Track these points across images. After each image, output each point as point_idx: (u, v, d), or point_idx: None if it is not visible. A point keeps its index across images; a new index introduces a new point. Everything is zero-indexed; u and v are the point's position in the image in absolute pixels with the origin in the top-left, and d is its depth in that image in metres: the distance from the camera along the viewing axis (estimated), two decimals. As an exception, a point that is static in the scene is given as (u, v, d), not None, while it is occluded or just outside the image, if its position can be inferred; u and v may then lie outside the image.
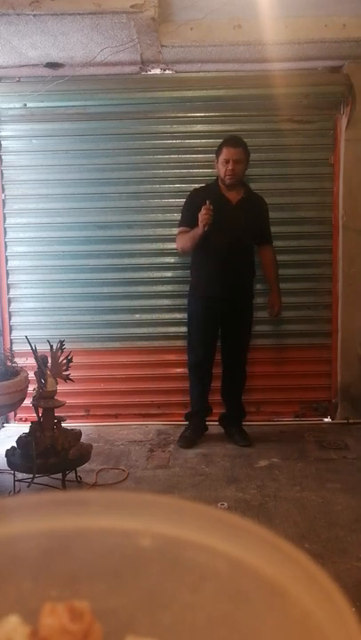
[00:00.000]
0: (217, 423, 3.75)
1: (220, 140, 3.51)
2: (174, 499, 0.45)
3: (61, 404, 2.92)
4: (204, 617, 0.39)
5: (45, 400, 2.88)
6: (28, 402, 3.20)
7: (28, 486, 2.83)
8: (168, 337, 4.03)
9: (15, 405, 3.37)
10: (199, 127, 3.98)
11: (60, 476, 2.83)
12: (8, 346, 3.97)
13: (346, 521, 2.67)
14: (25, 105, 3.88)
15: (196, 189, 3.60)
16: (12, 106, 3.90)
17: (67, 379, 2.96)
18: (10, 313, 4.09)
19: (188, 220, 3.47)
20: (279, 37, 3.33)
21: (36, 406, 2.89)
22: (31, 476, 2.77)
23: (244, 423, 3.71)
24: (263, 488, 3.01)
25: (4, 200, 4.01)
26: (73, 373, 3.01)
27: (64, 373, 2.95)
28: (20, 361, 3.51)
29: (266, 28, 3.26)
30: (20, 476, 2.88)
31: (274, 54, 3.49)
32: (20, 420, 4.07)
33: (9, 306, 4.08)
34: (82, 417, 4.03)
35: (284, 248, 3.95)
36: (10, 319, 4.09)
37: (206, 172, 3.76)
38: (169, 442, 3.69)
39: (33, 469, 2.73)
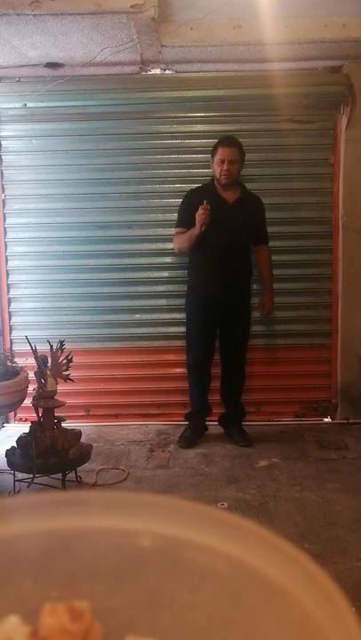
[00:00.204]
0: (217, 423, 3.75)
1: None
2: (174, 499, 0.45)
3: (61, 404, 2.92)
4: (204, 617, 0.39)
5: (45, 400, 2.88)
6: (28, 402, 3.20)
7: (28, 486, 2.83)
8: (168, 337, 4.03)
9: (15, 405, 3.37)
10: (199, 127, 3.98)
11: (60, 476, 2.83)
12: (8, 346, 3.97)
13: (346, 521, 2.67)
14: (25, 105, 3.88)
15: (192, 190, 3.61)
16: (12, 106, 3.90)
17: (67, 379, 2.96)
18: (10, 313, 4.09)
19: (185, 221, 3.48)
20: (279, 37, 3.33)
21: (36, 406, 2.89)
22: (31, 475, 2.77)
23: (244, 423, 3.72)
24: (263, 488, 3.01)
25: (4, 200, 4.01)
26: (73, 373, 3.01)
27: (64, 373, 2.95)
28: (20, 361, 3.51)
29: (266, 28, 3.26)
30: (20, 475, 2.88)
31: (274, 54, 3.49)
32: (20, 419, 4.07)
33: (9, 306, 4.08)
34: (82, 417, 4.03)
35: (284, 248, 3.96)
36: (10, 319, 4.09)
37: (206, 172, 3.75)
38: (169, 442, 3.69)
39: (33, 469, 2.73)
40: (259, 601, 0.38)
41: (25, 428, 3.05)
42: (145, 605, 0.41)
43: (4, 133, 3.99)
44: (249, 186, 3.77)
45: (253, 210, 3.55)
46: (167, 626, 0.39)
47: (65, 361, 2.95)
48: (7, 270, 4.05)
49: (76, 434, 2.91)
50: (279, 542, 0.39)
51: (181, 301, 3.77)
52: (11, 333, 4.09)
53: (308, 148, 3.96)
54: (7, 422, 4.10)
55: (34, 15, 2.84)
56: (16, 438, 2.89)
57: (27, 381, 3.27)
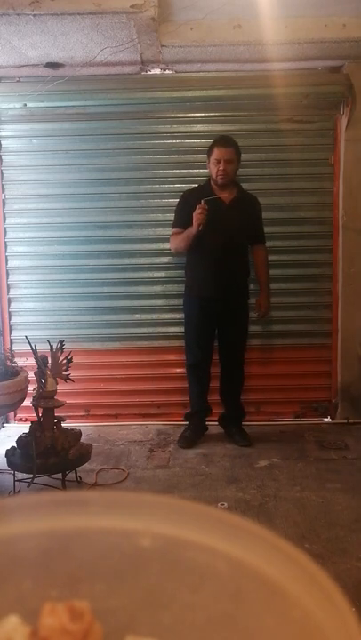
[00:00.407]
0: (217, 423, 3.75)
1: None
2: (174, 499, 0.45)
3: (61, 404, 2.92)
4: (204, 617, 0.39)
5: (45, 400, 2.88)
6: (28, 402, 3.20)
7: (28, 486, 2.83)
8: (168, 337, 4.03)
9: (15, 405, 3.37)
10: (199, 127, 3.98)
11: (60, 476, 2.83)
12: (8, 346, 3.97)
13: (346, 521, 2.67)
14: (25, 105, 3.88)
15: (188, 190, 3.61)
16: (12, 106, 3.90)
17: (67, 379, 2.96)
18: (10, 313, 4.09)
19: (182, 221, 3.48)
20: (279, 37, 3.33)
21: (36, 406, 2.89)
22: (31, 475, 2.77)
23: (244, 423, 3.72)
24: (263, 488, 3.01)
25: (4, 200, 4.01)
26: (73, 373, 3.01)
27: (64, 373, 2.95)
28: (20, 361, 3.51)
29: (266, 28, 3.26)
30: (20, 475, 2.88)
31: (274, 54, 3.49)
32: (20, 419, 4.07)
33: (9, 306, 4.08)
34: (82, 417, 4.03)
35: (284, 248, 3.96)
36: (10, 319, 4.09)
37: (206, 172, 3.75)
38: (169, 442, 3.69)
39: (33, 469, 2.73)
40: (259, 601, 0.38)
41: (25, 428, 3.05)
42: (145, 605, 0.41)
43: (4, 133, 3.99)
44: (249, 186, 3.78)
45: (250, 210, 3.55)
46: (167, 626, 0.39)
47: (65, 361, 2.95)
48: (7, 270, 4.05)
49: (76, 434, 2.91)
50: (279, 542, 0.39)
51: (181, 301, 3.77)
52: (11, 333, 4.09)
53: (308, 148, 3.96)
54: (7, 422, 4.10)
55: (34, 15, 2.84)
56: (16, 438, 2.89)
57: (27, 381, 3.27)
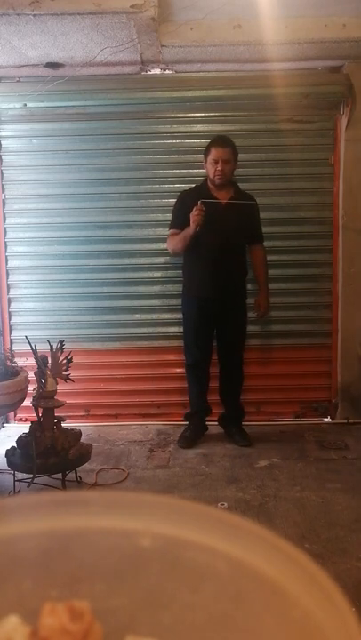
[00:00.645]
0: (217, 423, 3.75)
1: None
2: (174, 499, 0.45)
3: (61, 404, 2.92)
4: (204, 617, 0.39)
5: (45, 400, 2.88)
6: (28, 402, 3.20)
7: (28, 486, 2.83)
8: (168, 337, 4.03)
9: (15, 405, 3.37)
10: (199, 127, 3.98)
11: (60, 476, 2.83)
12: (8, 346, 3.97)
13: (346, 521, 2.67)
14: (25, 105, 3.88)
15: (185, 191, 3.61)
16: (12, 106, 3.90)
17: (67, 379, 2.96)
18: (10, 313, 4.09)
19: (179, 222, 3.48)
20: (279, 37, 3.33)
21: (36, 406, 2.89)
22: (31, 475, 2.77)
23: (244, 423, 3.71)
24: (263, 488, 3.01)
25: (4, 200, 4.01)
26: (73, 373, 3.01)
27: (64, 373, 2.95)
28: (20, 361, 3.51)
29: (266, 28, 3.26)
30: (20, 475, 2.88)
31: (274, 54, 3.49)
32: (20, 419, 4.07)
33: (9, 306, 4.08)
34: (82, 417, 4.03)
35: (284, 248, 3.96)
36: (10, 319, 4.09)
37: (205, 173, 3.75)
38: (169, 442, 3.69)
39: (33, 469, 2.73)
40: (259, 601, 0.38)
41: (25, 428, 3.05)
42: (145, 605, 0.41)
43: (4, 133, 3.99)
44: (249, 186, 3.78)
45: (247, 209, 3.54)
46: (167, 626, 0.39)
47: (65, 361, 2.95)
48: (7, 270, 4.05)
49: (76, 434, 2.91)
50: (279, 542, 0.39)
51: (180, 301, 3.77)
52: (11, 333, 4.09)
53: (308, 148, 3.96)
54: (7, 422, 4.10)
55: (34, 15, 2.84)
56: (16, 438, 2.89)
57: (27, 381, 3.27)
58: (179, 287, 3.78)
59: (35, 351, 2.90)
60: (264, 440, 3.67)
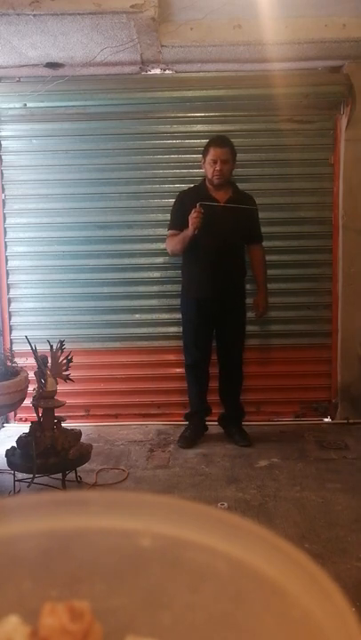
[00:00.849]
0: (217, 423, 3.75)
1: None
2: (174, 499, 0.45)
3: (61, 404, 2.92)
4: (204, 617, 0.39)
5: (45, 400, 2.88)
6: (28, 402, 3.20)
7: (28, 486, 2.83)
8: (168, 337, 4.03)
9: (15, 405, 3.37)
10: (199, 127, 3.98)
11: (60, 476, 2.83)
12: (8, 346, 3.97)
13: (346, 521, 2.67)
14: (25, 105, 3.88)
15: (183, 191, 3.61)
16: (12, 106, 3.89)
17: (67, 379, 2.96)
18: (10, 313, 4.09)
19: (178, 223, 3.48)
20: (279, 37, 3.33)
21: (36, 406, 2.89)
22: (31, 475, 2.77)
23: (244, 423, 3.71)
24: (263, 488, 3.01)
25: (4, 200, 4.01)
26: (73, 373, 3.01)
27: (64, 373, 2.95)
28: (20, 361, 3.51)
29: (266, 28, 3.26)
30: (20, 475, 2.88)
31: (274, 54, 3.49)
32: (20, 419, 4.07)
33: (9, 306, 4.08)
34: (82, 417, 4.03)
35: (284, 248, 3.96)
36: (10, 319, 4.09)
37: (204, 173, 3.76)
38: (169, 442, 3.69)
39: (33, 469, 2.73)
40: (259, 601, 0.38)
41: (25, 428, 3.05)
42: (145, 605, 0.41)
43: (4, 133, 3.99)
44: (248, 186, 3.78)
45: (246, 209, 3.54)
46: (167, 626, 0.39)
47: (65, 361, 2.95)
48: (7, 270, 4.05)
49: (76, 434, 2.91)
50: (279, 542, 0.39)
51: (180, 301, 3.77)
52: (11, 333, 4.09)
53: (308, 148, 3.96)
54: (7, 422, 4.10)
55: (34, 15, 2.84)
56: (16, 438, 2.89)
57: (27, 381, 3.27)
58: (179, 287, 3.78)
59: (35, 351, 2.90)
60: (264, 440, 3.67)
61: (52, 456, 2.77)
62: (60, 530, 0.43)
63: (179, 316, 3.83)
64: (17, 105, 3.88)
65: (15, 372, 3.30)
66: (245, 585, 0.39)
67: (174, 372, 4.00)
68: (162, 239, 3.87)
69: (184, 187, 3.72)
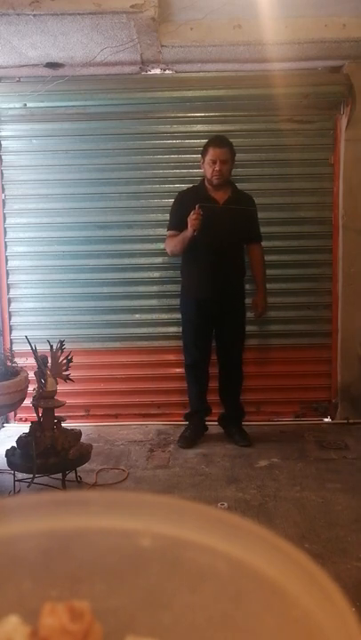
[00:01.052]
0: (217, 423, 3.75)
1: None
2: (174, 499, 0.45)
3: (61, 404, 2.92)
4: (204, 617, 0.39)
5: (45, 400, 2.88)
6: (28, 402, 3.20)
7: (28, 486, 2.83)
8: (168, 337, 4.03)
9: (15, 405, 3.37)
10: (199, 127, 3.98)
11: (60, 476, 2.83)
12: (8, 346, 3.97)
13: (346, 521, 2.67)
14: (25, 105, 3.88)
15: (182, 191, 3.61)
16: (12, 106, 3.89)
17: (67, 379, 2.96)
18: (10, 313, 4.09)
19: (177, 223, 3.48)
20: (279, 37, 3.33)
21: (36, 406, 2.89)
22: (31, 475, 2.77)
23: (244, 423, 3.71)
24: (263, 488, 3.01)
25: (4, 200, 4.01)
26: (73, 373, 3.01)
27: (64, 373, 2.95)
28: (20, 361, 3.51)
29: (266, 28, 3.26)
30: (20, 475, 2.88)
31: (274, 54, 3.49)
32: (20, 419, 4.07)
33: (9, 306, 4.08)
34: (82, 417, 4.03)
35: (284, 248, 3.96)
36: (10, 319, 4.09)
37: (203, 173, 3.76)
38: (169, 442, 3.69)
39: (33, 469, 2.73)
40: (259, 601, 0.38)
41: (25, 428, 3.05)
42: (145, 605, 0.41)
43: (4, 133, 3.99)
44: (248, 186, 3.78)
45: (245, 209, 3.54)
46: (167, 626, 0.39)
47: (65, 361, 2.95)
48: (7, 270, 4.05)
49: (76, 434, 2.91)
50: (279, 542, 0.39)
51: (179, 301, 3.77)
52: (11, 333, 4.09)
53: (308, 148, 3.96)
54: (7, 422, 4.10)
55: (34, 15, 2.84)
56: (16, 438, 2.89)
57: (27, 381, 3.27)
58: (178, 287, 3.78)
59: (35, 351, 2.90)
60: (264, 440, 3.67)
61: (52, 456, 2.77)
62: (60, 530, 0.43)
63: (178, 315, 3.83)
64: (17, 105, 3.88)
65: (15, 372, 3.30)
66: (245, 585, 0.39)
67: (174, 372, 4.00)
68: (162, 239, 3.87)
69: (184, 187, 3.72)
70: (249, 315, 3.72)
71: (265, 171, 3.96)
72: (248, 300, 3.69)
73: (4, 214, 4.01)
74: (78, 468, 2.95)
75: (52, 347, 2.93)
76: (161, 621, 0.40)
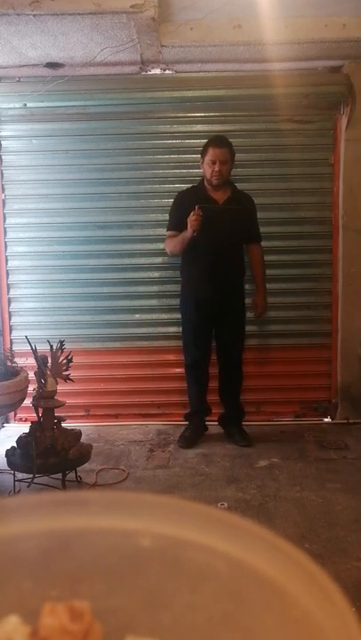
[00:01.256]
0: (217, 423, 3.75)
1: None
2: (174, 499, 0.45)
3: (61, 404, 2.92)
4: (204, 617, 0.39)
5: (45, 400, 2.88)
6: (28, 402, 3.20)
7: (28, 486, 2.83)
8: (168, 337, 4.03)
9: (15, 405, 3.37)
10: (199, 127, 3.98)
11: (60, 476, 2.83)
12: (8, 346, 3.97)
13: (346, 521, 2.67)
14: (25, 105, 3.88)
15: (182, 191, 3.61)
16: (12, 106, 3.89)
17: (67, 379, 2.96)
18: (10, 313, 4.09)
19: (177, 224, 3.48)
20: (279, 37, 3.33)
21: (36, 406, 2.89)
22: (31, 475, 2.77)
23: (244, 423, 3.71)
24: (263, 488, 3.01)
25: (4, 200, 4.01)
26: (73, 373, 3.01)
27: (64, 373, 2.95)
28: (20, 361, 3.51)
29: (266, 28, 3.26)
30: (20, 475, 2.88)
31: (274, 54, 3.49)
32: (20, 419, 4.07)
33: (9, 306, 4.08)
34: (82, 417, 4.03)
35: (284, 248, 3.96)
36: (10, 319, 4.09)
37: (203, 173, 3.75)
38: (169, 442, 3.69)
39: (33, 469, 2.73)
40: (259, 601, 0.38)
41: (25, 428, 3.05)
42: (145, 605, 0.41)
43: (4, 133, 3.99)
44: (248, 186, 3.78)
45: (244, 209, 3.53)
46: (167, 626, 0.39)
47: (65, 361, 2.95)
48: (7, 270, 4.05)
49: (76, 434, 2.91)
50: (279, 542, 0.39)
51: (179, 301, 3.77)
52: (11, 333, 4.09)
53: (308, 148, 3.96)
54: (7, 422, 4.10)
55: (34, 15, 2.84)
56: (16, 438, 2.89)
57: (27, 381, 3.27)
58: (178, 287, 3.78)
59: (35, 351, 2.90)
60: (264, 440, 3.67)
61: (52, 456, 2.77)
62: (60, 530, 0.43)
63: (178, 315, 3.83)
64: (17, 105, 3.88)
65: (15, 371, 3.30)
66: (245, 585, 0.39)
67: (174, 372, 4.00)
68: (161, 239, 3.87)
69: (184, 187, 3.72)
70: (249, 315, 3.72)
71: (265, 171, 3.95)
72: (248, 300, 3.69)
73: (4, 214, 4.01)
74: (78, 468, 2.95)
75: (52, 347, 2.93)
76: (161, 621, 0.40)
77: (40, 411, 2.88)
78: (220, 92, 3.90)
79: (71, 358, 2.96)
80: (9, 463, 2.85)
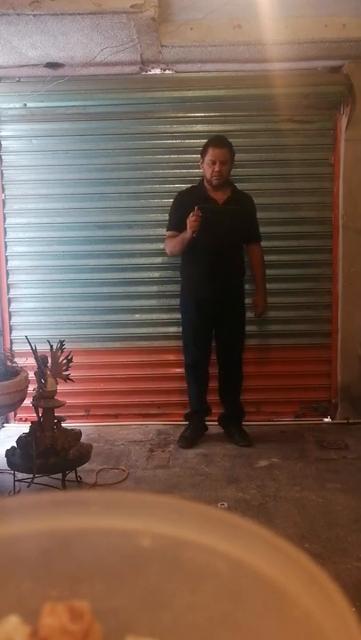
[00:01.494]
0: (217, 423, 3.75)
1: None
2: (174, 499, 0.45)
3: (61, 404, 2.92)
4: (204, 617, 0.39)
5: (45, 400, 2.88)
6: (28, 402, 3.20)
7: (28, 486, 2.83)
8: (168, 337, 4.03)
9: (15, 405, 3.37)
10: (199, 127, 3.98)
11: (60, 476, 2.83)
12: (8, 346, 3.97)
13: (346, 521, 2.67)
14: (25, 105, 3.88)
15: (182, 191, 3.61)
16: (12, 106, 3.90)
17: (67, 379, 2.96)
18: (10, 313, 4.09)
19: (176, 224, 3.48)
20: (279, 37, 3.33)
21: (36, 406, 2.89)
22: (31, 475, 2.77)
23: (244, 423, 3.71)
24: (263, 488, 3.01)
25: (4, 200, 4.01)
26: (73, 373, 3.01)
27: (64, 373, 2.95)
28: (20, 361, 3.51)
29: (266, 28, 3.26)
30: (20, 475, 2.88)
31: (274, 54, 3.49)
32: (20, 419, 4.07)
33: (9, 306, 4.08)
34: (82, 417, 4.03)
35: (284, 248, 3.96)
36: (10, 319, 4.09)
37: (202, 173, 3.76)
38: (169, 442, 3.69)
39: (33, 469, 2.73)
40: (259, 601, 0.38)
41: (25, 428, 3.05)
42: (145, 605, 0.41)
43: (4, 133, 3.99)
44: (248, 186, 3.78)
45: (244, 209, 3.53)
46: (167, 626, 0.39)
47: (65, 361, 2.95)
48: (7, 270, 4.05)
49: (76, 434, 2.91)
50: (279, 542, 0.39)
51: (179, 301, 3.77)
52: (11, 333, 4.09)
53: (308, 148, 3.96)
54: (7, 422, 4.10)
55: (34, 15, 2.84)
56: (16, 438, 2.89)
57: (27, 381, 3.27)
58: (178, 287, 3.77)
59: (35, 351, 2.90)
60: (264, 440, 3.67)
61: (52, 456, 2.77)
62: (60, 530, 0.43)
63: (178, 315, 3.83)
64: (17, 105, 3.88)
65: (15, 372, 3.30)
66: (245, 585, 0.39)
67: (174, 372, 4.00)
68: (161, 239, 3.87)
69: (184, 187, 3.72)
70: (249, 315, 3.72)
71: (265, 171, 3.95)
72: (248, 300, 3.69)
73: (4, 214, 4.01)
74: (78, 468, 2.95)
75: (52, 347, 2.93)
76: (161, 621, 0.40)
77: (40, 411, 2.88)
78: (220, 91, 3.90)
79: (71, 358, 2.96)
80: (9, 463, 2.85)
